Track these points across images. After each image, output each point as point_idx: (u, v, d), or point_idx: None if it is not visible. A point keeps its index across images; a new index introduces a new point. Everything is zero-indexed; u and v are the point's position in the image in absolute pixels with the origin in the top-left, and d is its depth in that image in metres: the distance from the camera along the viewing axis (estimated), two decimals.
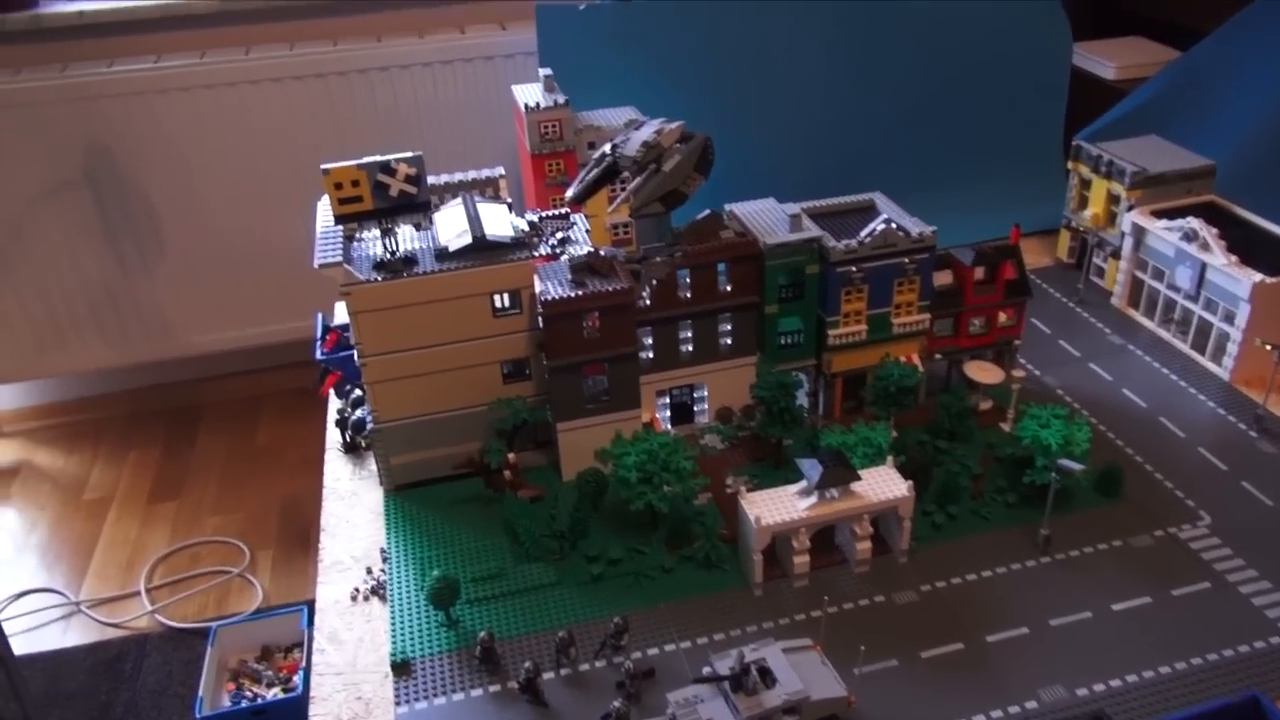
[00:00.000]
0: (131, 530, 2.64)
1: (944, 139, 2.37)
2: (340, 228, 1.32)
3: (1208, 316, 1.62)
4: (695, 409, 1.54)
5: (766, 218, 1.49)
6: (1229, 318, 1.57)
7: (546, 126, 1.76)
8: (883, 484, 1.22)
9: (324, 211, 1.39)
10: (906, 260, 1.43)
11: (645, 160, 1.40)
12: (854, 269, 1.42)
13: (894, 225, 1.41)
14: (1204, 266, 1.60)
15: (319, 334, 1.67)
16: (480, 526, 1.36)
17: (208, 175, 2.65)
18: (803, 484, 1.22)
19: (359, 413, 1.49)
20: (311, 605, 1.42)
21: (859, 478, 1.20)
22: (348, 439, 1.54)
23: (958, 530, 1.30)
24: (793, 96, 2.18)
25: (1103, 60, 2.63)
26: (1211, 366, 1.62)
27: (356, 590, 1.28)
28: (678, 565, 1.27)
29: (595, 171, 1.44)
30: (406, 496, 1.43)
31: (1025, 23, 2.38)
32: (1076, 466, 1.22)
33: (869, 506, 1.20)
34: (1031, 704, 1.06)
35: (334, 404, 1.64)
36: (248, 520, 2.61)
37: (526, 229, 1.38)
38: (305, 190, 2.57)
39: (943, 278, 1.51)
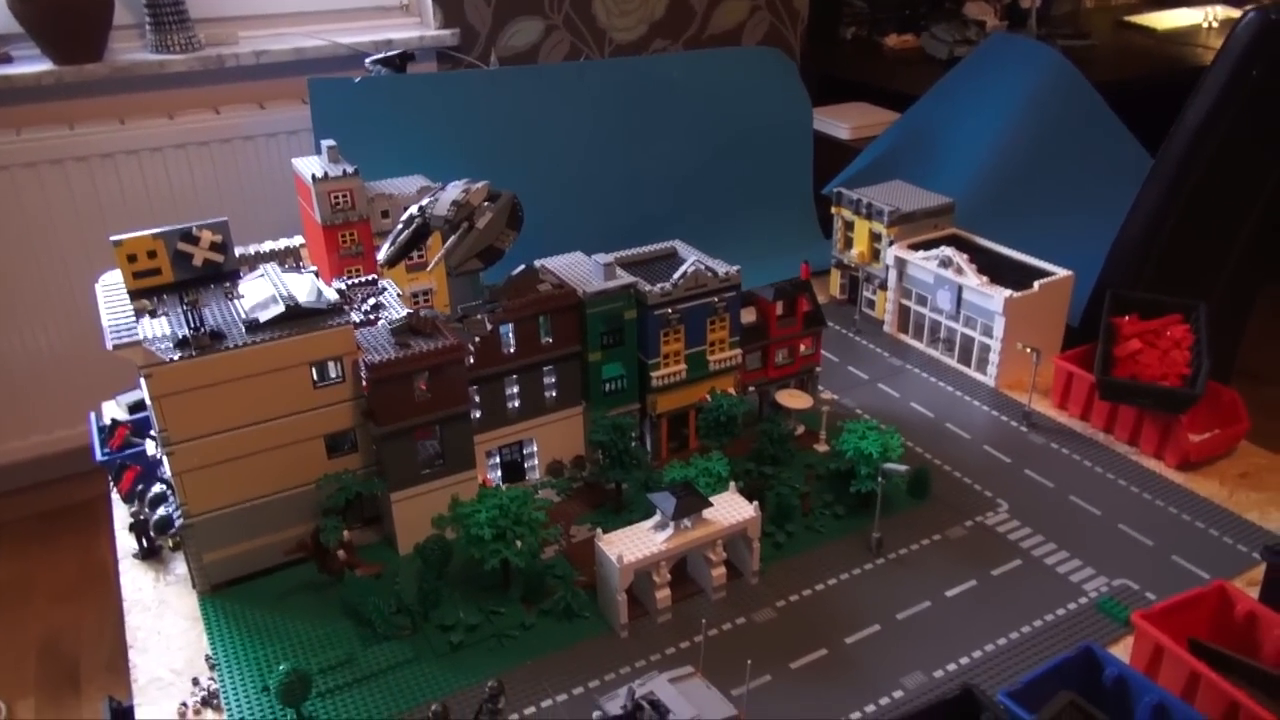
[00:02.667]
0: None
1: (714, 198, 2.52)
2: (131, 304, 1.21)
3: (969, 332, 1.82)
4: (525, 465, 1.53)
5: (579, 269, 1.52)
6: (987, 331, 1.77)
7: (337, 196, 1.70)
8: (730, 508, 1.26)
9: (107, 290, 1.26)
10: (716, 299, 1.51)
11: (457, 219, 1.39)
12: (670, 310, 1.47)
13: (703, 267, 1.48)
14: (960, 289, 1.79)
15: (96, 434, 1.50)
16: (317, 615, 1.26)
17: None
18: (656, 519, 1.23)
19: (161, 510, 1.34)
20: None
21: (710, 504, 1.23)
22: (144, 544, 1.38)
23: (797, 547, 1.37)
24: (573, 162, 2.25)
25: (837, 123, 2.93)
26: (978, 376, 1.81)
27: (184, 705, 1.14)
28: (538, 620, 1.24)
29: (406, 233, 1.42)
30: (226, 596, 1.30)
31: (772, 94, 2.61)
32: (900, 468, 1.32)
33: (722, 531, 1.23)
34: (898, 692, 1.12)
35: (119, 509, 1.47)
36: None
37: (338, 296, 1.32)
38: (22, 290, 2.31)
39: (747, 316, 1.59)
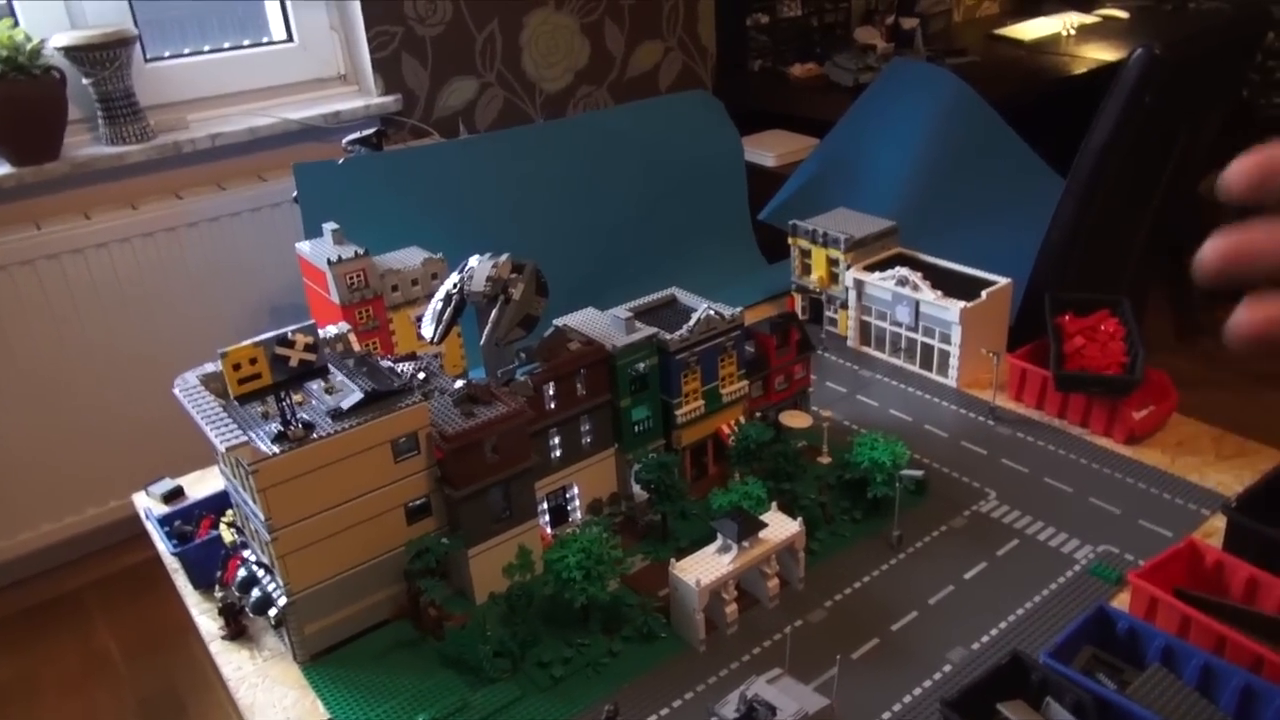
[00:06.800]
0: None
1: (665, 237, 2.71)
2: (222, 408, 1.31)
3: (928, 341, 2.04)
4: (569, 508, 1.67)
5: (598, 324, 1.68)
6: (945, 339, 2.00)
7: (352, 277, 1.81)
8: (779, 526, 1.44)
9: (188, 394, 1.35)
10: (725, 339, 1.69)
11: (494, 293, 1.53)
12: (689, 354, 1.64)
13: (713, 312, 1.65)
14: (918, 304, 2.02)
15: (158, 529, 1.57)
16: (418, 668, 1.38)
17: None
18: (718, 543, 1.40)
19: (255, 592, 1.43)
20: None
21: (766, 525, 1.40)
22: (232, 626, 1.47)
23: (828, 551, 1.55)
24: (542, 219, 2.40)
25: (763, 152, 3.15)
26: (939, 378, 2.05)
27: None
28: (623, 646, 1.39)
29: (449, 311, 1.55)
30: (326, 663, 1.40)
31: (705, 133, 2.81)
32: (917, 473, 1.52)
33: (775, 546, 1.41)
34: (948, 666, 1.32)
35: (190, 598, 1.55)
36: None
37: (404, 377, 1.44)
38: (24, 382, 2.32)
39: (747, 348, 1.78)
